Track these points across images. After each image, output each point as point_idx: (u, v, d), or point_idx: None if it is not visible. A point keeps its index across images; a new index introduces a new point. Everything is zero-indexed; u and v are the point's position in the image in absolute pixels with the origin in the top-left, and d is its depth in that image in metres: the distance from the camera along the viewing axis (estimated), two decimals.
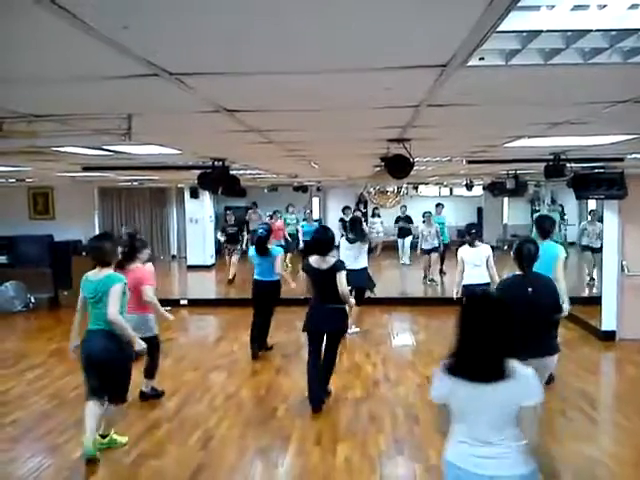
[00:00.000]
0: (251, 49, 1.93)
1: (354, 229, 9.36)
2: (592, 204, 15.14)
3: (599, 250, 11.41)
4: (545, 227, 6.70)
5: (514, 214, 20.92)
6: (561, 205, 18.99)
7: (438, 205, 15.58)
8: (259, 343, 8.23)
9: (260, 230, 8.32)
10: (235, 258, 14.01)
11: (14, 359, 8.36)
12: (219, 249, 17.24)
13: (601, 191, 7.26)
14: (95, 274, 5.12)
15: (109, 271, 5.12)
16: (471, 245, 8.22)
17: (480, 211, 22.13)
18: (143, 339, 5.93)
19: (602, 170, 7.27)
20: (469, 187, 16.16)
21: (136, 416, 5.98)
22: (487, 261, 8.28)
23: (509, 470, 2.69)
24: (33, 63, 2.12)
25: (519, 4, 1.50)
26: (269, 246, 8.22)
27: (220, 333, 10.09)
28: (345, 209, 16.47)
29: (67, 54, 1.99)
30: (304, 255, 11.31)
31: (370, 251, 9.07)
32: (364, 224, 10.55)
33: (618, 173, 7.16)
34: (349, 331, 8.99)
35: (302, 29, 1.73)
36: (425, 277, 14.05)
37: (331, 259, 6.17)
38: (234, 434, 5.60)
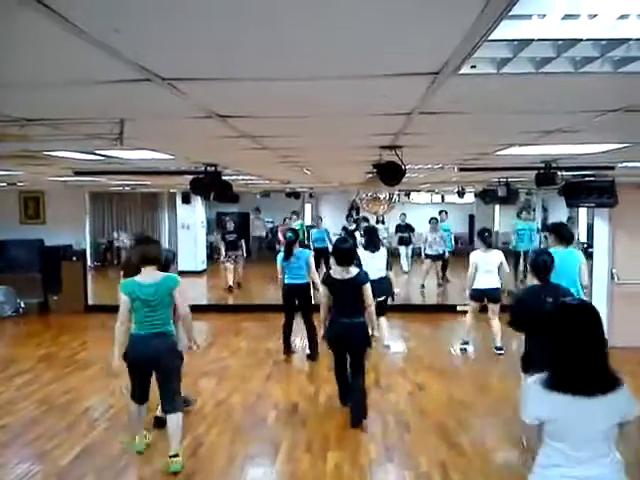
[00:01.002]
0: (244, 55, 1.93)
1: (372, 238, 9.23)
2: (583, 212, 15.21)
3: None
4: (564, 234, 6.70)
5: (505, 221, 20.96)
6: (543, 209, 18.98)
7: (441, 212, 15.31)
8: (310, 348, 8.49)
9: (289, 234, 8.58)
10: (238, 265, 14.10)
11: (3, 364, 8.31)
12: (211, 255, 17.20)
13: (592, 199, 7.29)
14: (147, 277, 4.97)
15: (159, 272, 5.07)
16: (489, 247, 8.41)
17: (472, 218, 22.21)
18: None
19: (593, 178, 7.30)
20: (461, 194, 16.20)
21: (124, 423, 5.94)
22: (500, 266, 8.40)
23: None
24: (24, 67, 2.11)
25: (511, 13, 1.50)
26: (297, 249, 8.48)
27: (210, 339, 10.05)
28: (348, 217, 16.42)
29: (59, 58, 1.98)
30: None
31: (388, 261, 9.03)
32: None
33: (609, 181, 7.20)
34: (385, 343, 8.98)
35: (295, 36, 1.73)
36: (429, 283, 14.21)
37: (354, 270, 6.04)
38: (224, 441, 5.58)
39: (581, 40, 1.86)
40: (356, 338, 5.96)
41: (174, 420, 5.00)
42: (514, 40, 1.89)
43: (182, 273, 16.43)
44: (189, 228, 17.15)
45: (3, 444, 5.55)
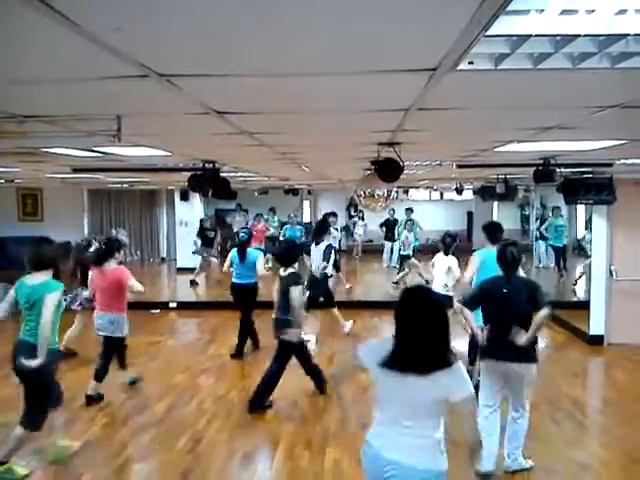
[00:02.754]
0: (241, 51, 1.93)
1: (317, 231, 9.53)
2: (581, 209, 15.24)
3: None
4: (496, 233, 6.68)
5: (504, 218, 21.00)
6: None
7: (407, 210, 15.57)
8: (253, 342, 8.57)
9: (242, 234, 8.49)
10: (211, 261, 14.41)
11: (2, 361, 8.29)
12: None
13: (590, 196, 7.29)
14: (31, 279, 4.94)
15: (46, 277, 4.95)
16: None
17: (470, 215, 22.22)
18: (111, 338, 6.33)
19: (591, 175, 7.30)
20: (459, 191, 16.20)
21: (123, 419, 5.95)
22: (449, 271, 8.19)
23: (415, 460, 2.77)
24: (23, 64, 2.11)
25: (508, 8, 1.50)
26: (248, 249, 8.38)
27: (209, 336, 10.04)
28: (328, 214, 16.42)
29: (58, 55, 1.99)
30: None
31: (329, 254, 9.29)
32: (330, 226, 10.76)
33: (607, 178, 7.20)
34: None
35: (293, 33, 1.73)
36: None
37: (289, 270, 6.27)
38: (223, 437, 5.58)
39: (579, 36, 1.86)
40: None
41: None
42: (512, 36, 1.90)
43: (181, 270, 16.59)
44: (187, 225, 17.11)
45: (4, 441, 5.54)
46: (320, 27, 1.68)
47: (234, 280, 8.42)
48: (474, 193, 17.24)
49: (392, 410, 2.85)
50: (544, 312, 4.52)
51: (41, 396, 4.85)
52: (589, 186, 7.23)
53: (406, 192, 20.36)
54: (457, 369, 2.77)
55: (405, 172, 5.17)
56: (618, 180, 7.34)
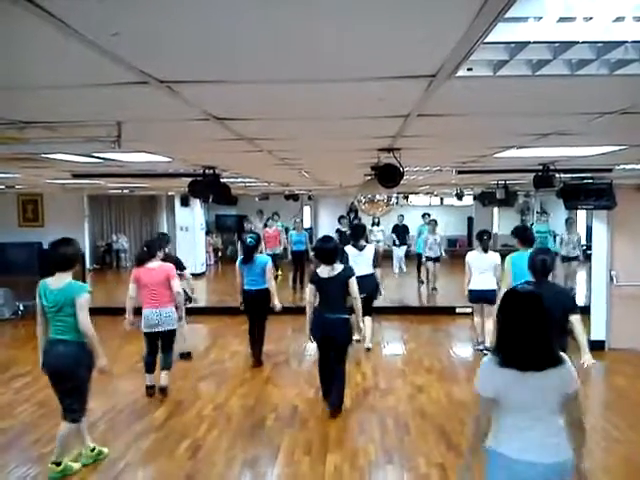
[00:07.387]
0: (240, 58, 1.93)
1: (358, 236, 9.16)
2: (582, 214, 15.19)
3: (576, 259, 12.43)
4: (527, 236, 7.00)
5: (504, 224, 21.01)
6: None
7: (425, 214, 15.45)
8: (258, 350, 8.35)
9: (249, 239, 8.16)
10: None
11: (2, 367, 8.30)
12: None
13: (590, 202, 7.30)
14: (54, 282, 4.85)
15: (69, 278, 4.89)
16: (484, 251, 8.63)
17: (470, 221, 22.24)
18: (162, 332, 6.66)
19: (591, 181, 7.31)
20: (459, 197, 16.20)
21: (123, 426, 5.95)
22: (495, 268, 8.44)
23: (551, 457, 2.90)
24: (22, 70, 2.11)
25: (507, 15, 1.51)
26: (256, 255, 8.11)
27: (209, 342, 10.05)
28: (341, 218, 16.35)
29: (57, 61, 1.98)
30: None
31: (376, 259, 8.96)
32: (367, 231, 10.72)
33: (607, 184, 7.21)
34: (366, 345, 8.94)
35: (291, 39, 1.74)
36: (422, 283, 14.24)
37: (339, 266, 6.27)
38: (223, 444, 5.57)
39: (577, 42, 1.86)
40: (340, 333, 6.26)
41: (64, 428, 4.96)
42: (510, 42, 1.90)
43: (181, 276, 16.56)
44: (188, 230, 17.13)
45: (1, 447, 5.54)
46: (319, 35, 1.68)
47: (246, 287, 8.15)
48: (474, 199, 17.25)
49: (518, 414, 2.93)
50: (575, 318, 4.83)
51: (82, 388, 4.95)
52: (589, 191, 7.24)
53: (406, 198, 20.36)
54: (567, 362, 3.01)
55: (405, 178, 5.18)
56: (618, 185, 7.35)
